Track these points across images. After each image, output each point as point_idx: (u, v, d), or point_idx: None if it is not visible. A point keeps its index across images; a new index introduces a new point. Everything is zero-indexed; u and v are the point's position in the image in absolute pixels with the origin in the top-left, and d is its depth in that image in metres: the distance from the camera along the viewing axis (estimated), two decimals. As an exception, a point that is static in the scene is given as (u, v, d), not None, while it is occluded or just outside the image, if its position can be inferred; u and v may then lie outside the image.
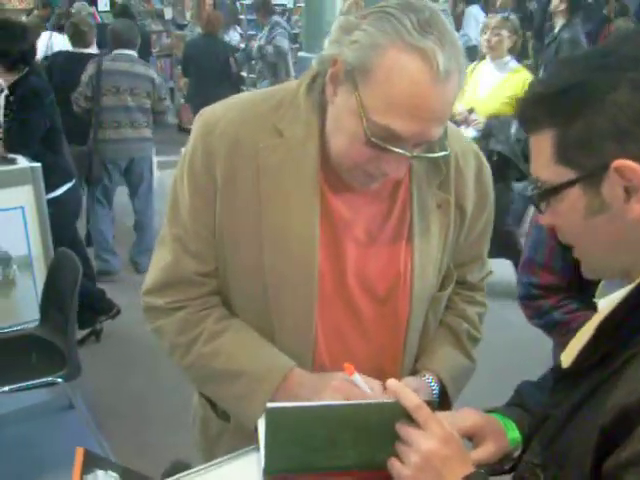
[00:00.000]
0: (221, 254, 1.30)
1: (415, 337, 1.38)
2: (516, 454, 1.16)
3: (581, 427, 0.86)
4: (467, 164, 1.35)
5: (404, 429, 1.01)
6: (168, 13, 10.39)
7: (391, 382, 1.03)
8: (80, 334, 4.12)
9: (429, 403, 1.01)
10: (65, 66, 4.96)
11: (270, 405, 1.01)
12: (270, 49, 7.27)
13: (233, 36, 8.61)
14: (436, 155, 1.20)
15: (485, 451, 1.14)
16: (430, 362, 1.40)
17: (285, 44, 7.35)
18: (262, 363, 1.28)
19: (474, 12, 8.94)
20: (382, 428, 1.02)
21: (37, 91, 3.55)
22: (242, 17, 9.89)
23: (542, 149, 0.87)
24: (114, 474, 1.04)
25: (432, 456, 0.97)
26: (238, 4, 10.35)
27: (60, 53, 5.40)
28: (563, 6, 5.47)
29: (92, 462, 1.04)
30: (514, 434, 1.16)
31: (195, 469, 1.20)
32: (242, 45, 8.69)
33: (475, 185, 1.37)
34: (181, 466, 1.57)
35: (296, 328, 1.29)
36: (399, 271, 1.32)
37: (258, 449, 1.16)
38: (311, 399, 1.20)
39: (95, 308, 4.13)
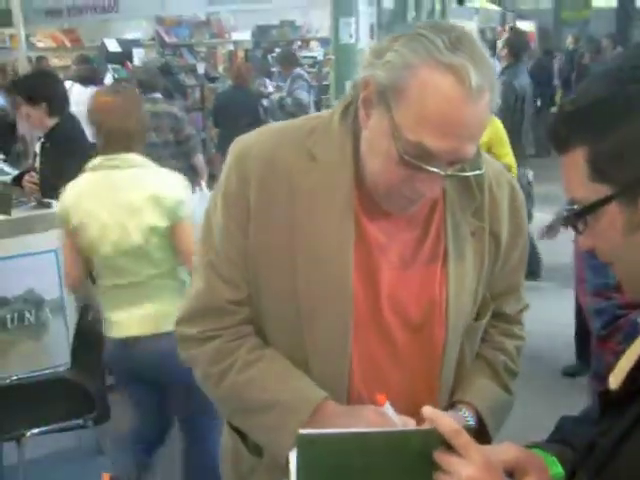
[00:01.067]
0: (253, 280, 1.28)
1: (451, 367, 1.34)
2: None
3: (631, 456, 0.81)
4: (501, 191, 1.33)
5: (443, 457, 0.96)
6: (201, 68, 10.64)
7: (427, 409, 0.99)
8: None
9: (467, 429, 0.97)
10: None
11: (302, 432, 0.97)
12: (289, 101, 7.35)
13: (263, 87, 8.77)
14: (471, 174, 1.18)
15: None
16: (467, 395, 1.35)
17: (304, 96, 7.40)
18: (294, 394, 1.25)
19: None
20: (419, 457, 0.98)
21: (72, 138, 3.62)
22: (274, 70, 10.08)
23: (576, 168, 0.85)
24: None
25: None
26: (269, 57, 10.56)
27: None
28: (505, 51, 5.61)
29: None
30: (557, 469, 1.10)
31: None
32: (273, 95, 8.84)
33: (509, 213, 1.34)
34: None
35: (330, 355, 1.26)
36: (434, 297, 1.29)
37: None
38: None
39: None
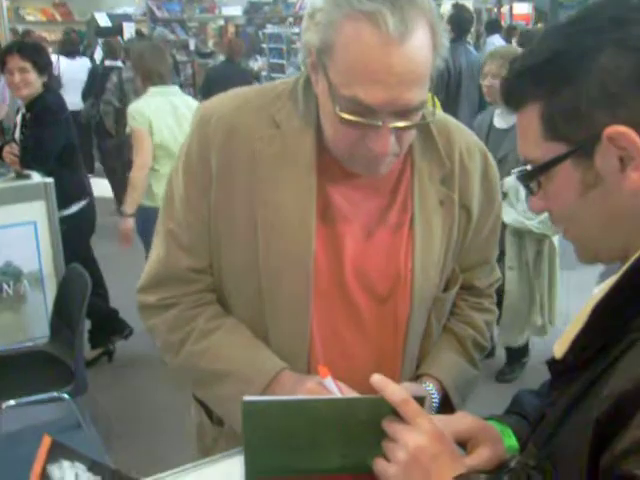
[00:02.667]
0: (215, 249, 1.26)
1: (416, 340, 1.32)
2: (512, 463, 1.09)
3: (576, 423, 0.80)
4: (472, 161, 1.30)
5: (390, 425, 0.94)
6: (192, 44, 10.55)
7: (375, 376, 0.97)
8: (92, 354, 4.11)
9: (418, 399, 0.95)
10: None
11: (247, 399, 0.95)
12: None
13: (254, 64, 8.70)
14: (415, 123, 1.12)
15: (479, 457, 1.06)
16: (432, 368, 1.33)
17: None
18: (251, 364, 1.23)
19: (495, 42, 8.93)
20: (368, 425, 0.95)
21: (52, 108, 3.58)
22: (264, 46, 10.00)
23: (529, 126, 0.83)
24: (82, 465, 0.99)
25: (420, 453, 0.90)
26: (260, 33, 10.47)
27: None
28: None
29: (59, 452, 0.99)
30: (511, 441, 1.09)
31: (179, 468, 1.14)
32: (264, 73, 8.77)
33: (481, 184, 1.31)
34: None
35: (290, 327, 1.24)
36: (399, 268, 1.27)
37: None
38: None
39: (108, 328, 4.11)
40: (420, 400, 0.95)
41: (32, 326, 3.33)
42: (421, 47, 1.05)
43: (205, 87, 7.47)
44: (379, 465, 0.94)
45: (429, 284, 1.28)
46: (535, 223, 3.40)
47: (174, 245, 1.28)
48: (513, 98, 0.85)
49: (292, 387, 1.18)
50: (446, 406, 1.33)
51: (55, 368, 3.04)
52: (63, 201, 3.53)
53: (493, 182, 1.34)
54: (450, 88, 5.21)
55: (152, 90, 3.76)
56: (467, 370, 1.38)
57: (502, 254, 3.57)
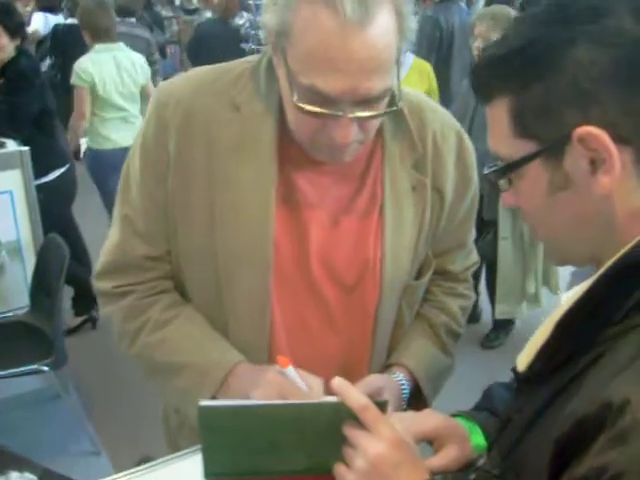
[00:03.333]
0: (172, 235, 1.22)
1: (386, 330, 1.29)
2: (480, 462, 1.07)
3: (538, 438, 0.77)
4: (446, 143, 1.25)
5: (351, 431, 0.91)
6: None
7: (336, 381, 0.93)
8: (76, 322, 4.09)
9: (379, 404, 0.92)
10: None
11: (202, 403, 0.92)
12: None
13: (240, 21, 8.49)
14: (380, 113, 1.06)
15: (446, 456, 1.04)
16: (403, 358, 1.30)
17: None
18: (207, 357, 1.20)
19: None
20: (328, 429, 0.92)
21: (26, 73, 3.47)
22: (250, 2, 9.74)
23: (498, 120, 0.78)
24: (31, 476, 0.96)
25: (380, 461, 0.87)
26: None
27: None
28: None
29: (9, 462, 0.96)
30: (478, 439, 1.07)
31: (138, 469, 1.11)
32: (252, 32, 8.56)
33: (456, 167, 1.26)
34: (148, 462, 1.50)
35: (250, 316, 1.21)
36: (367, 256, 1.22)
37: None
38: (247, 393, 1.12)
39: (91, 296, 4.07)
40: (382, 405, 0.92)
41: (11, 296, 3.29)
42: (384, 32, 0.98)
43: (192, 45, 7.26)
44: (339, 470, 0.92)
45: (400, 272, 1.24)
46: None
47: (129, 231, 1.23)
48: (482, 89, 0.80)
49: (250, 379, 1.15)
50: (417, 396, 1.31)
51: (35, 339, 3.00)
52: (41, 168, 3.45)
53: (469, 164, 1.29)
54: (442, 49, 5.06)
55: (97, 47, 4.15)
56: (440, 359, 1.35)
57: (496, 225, 3.53)
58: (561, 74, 0.70)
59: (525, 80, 0.73)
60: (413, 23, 1.04)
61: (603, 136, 0.69)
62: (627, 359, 0.69)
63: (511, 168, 0.79)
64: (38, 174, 3.41)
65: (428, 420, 1.06)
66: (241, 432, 0.94)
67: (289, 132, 1.14)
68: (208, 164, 1.15)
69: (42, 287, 3.10)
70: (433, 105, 1.28)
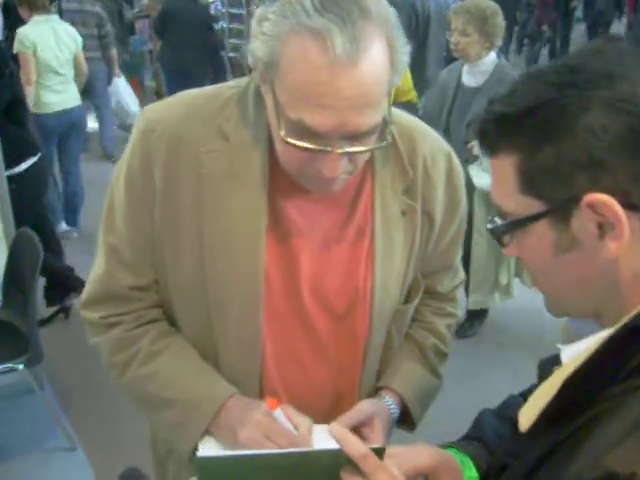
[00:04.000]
0: (160, 265, 1.19)
1: (375, 355, 1.29)
2: None
3: None
4: (436, 167, 1.24)
5: (349, 477, 0.92)
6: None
7: (334, 428, 0.94)
8: (48, 312, 4.03)
9: (377, 451, 0.92)
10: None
11: (200, 454, 0.92)
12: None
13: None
14: (370, 148, 1.05)
15: None
16: (392, 382, 1.30)
17: None
18: (198, 391, 1.18)
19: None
20: (326, 476, 0.93)
21: None
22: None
23: (505, 176, 0.77)
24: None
25: None
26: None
27: None
28: None
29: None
30: (471, 473, 1.07)
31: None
32: (223, 10, 8.42)
33: (445, 190, 1.25)
34: (134, 474, 1.49)
35: (241, 349, 1.19)
36: (358, 285, 1.21)
37: None
38: (235, 430, 1.12)
39: (63, 285, 4.02)
40: (379, 452, 0.93)
41: (-17, 292, 3.22)
42: (374, 68, 0.95)
43: (159, 20, 7.13)
44: None
45: (389, 299, 1.24)
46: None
47: (115, 261, 1.21)
48: (488, 142, 0.79)
49: (239, 416, 1.14)
50: (406, 416, 1.31)
51: (8, 336, 2.95)
52: (12, 159, 3.38)
53: (458, 187, 1.28)
54: (418, 34, 5.02)
55: (36, 18, 4.66)
56: (428, 380, 1.35)
57: (470, 217, 3.54)
58: (573, 139, 0.70)
59: (536, 142, 0.72)
60: (405, 56, 1.02)
61: (613, 203, 0.69)
62: (631, 423, 0.69)
63: (516, 225, 0.78)
64: (9, 164, 3.34)
65: (421, 456, 1.06)
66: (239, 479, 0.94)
67: (278, 160, 1.12)
68: (196, 196, 1.13)
69: (15, 282, 3.04)
70: (423, 128, 1.27)
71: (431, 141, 1.26)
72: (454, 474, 1.07)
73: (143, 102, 7.18)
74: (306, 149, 0.99)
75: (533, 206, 0.75)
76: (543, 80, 0.74)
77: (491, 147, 0.79)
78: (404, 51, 1.01)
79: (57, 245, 3.98)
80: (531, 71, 0.79)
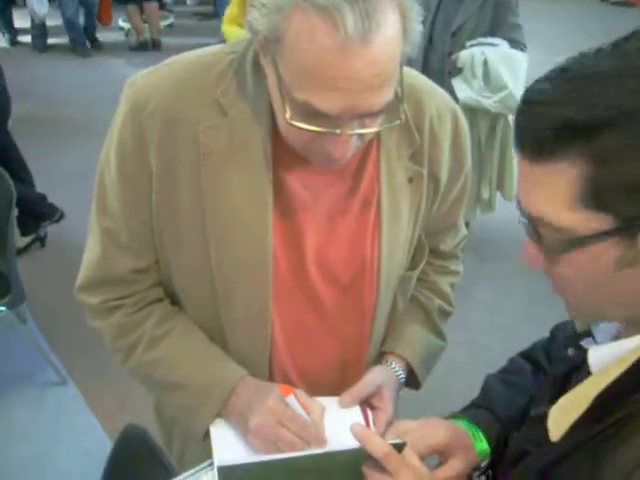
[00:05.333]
0: (161, 247, 1.15)
1: (382, 324, 1.28)
2: (483, 464, 1.11)
3: None
4: (443, 128, 1.17)
5: (372, 475, 0.93)
6: None
7: (356, 428, 0.94)
8: (24, 242, 3.96)
9: (398, 447, 0.92)
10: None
11: (220, 464, 0.91)
12: None
13: None
14: (381, 128, 0.98)
15: (453, 468, 1.06)
16: (398, 347, 1.30)
17: None
18: (208, 377, 1.17)
19: None
20: (348, 473, 0.94)
21: None
22: None
23: (561, 185, 0.68)
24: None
25: None
26: None
27: None
28: None
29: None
30: (482, 445, 1.09)
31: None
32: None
33: (451, 151, 1.20)
34: (136, 431, 1.48)
35: (249, 328, 1.17)
36: (365, 256, 1.18)
37: (212, 464, 1.07)
38: (245, 416, 1.12)
39: (37, 214, 3.93)
40: (400, 447, 0.93)
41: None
42: (388, 43, 0.86)
43: None
44: None
45: (396, 267, 1.22)
46: (492, 102, 3.24)
47: (111, 245, 1.16)
48: (543, 148, 0.68)
49: (251, 401, 1.13)
50: (412, 378, 1.33)
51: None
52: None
53: (463, 147, 1.23)
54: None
55: None
56: (433, 342, 1.36)
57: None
58: None
59: (616, 155, 0.64)
60: (418, 24, 0.92)
61: None
62: None
63: (576, 244, 0.70)
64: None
65: (436, 434, 1.07)
66: None
67: (279, 134, 1.05)
68: (196, 177, 1.07)
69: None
70: (429, 86, 1.20)
71: (438, 99, 1.19)
72: (467, 449, 1.09)
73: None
74: (314, 132, 0.93)
75: (599, 221, 0.68)
76: (619, 84, 0.65)
77: (547, 152, 0.69)
78: (418, 19, 0.92)
79: (26, 173, 3.86)
80: (600, 70, 0.67)
